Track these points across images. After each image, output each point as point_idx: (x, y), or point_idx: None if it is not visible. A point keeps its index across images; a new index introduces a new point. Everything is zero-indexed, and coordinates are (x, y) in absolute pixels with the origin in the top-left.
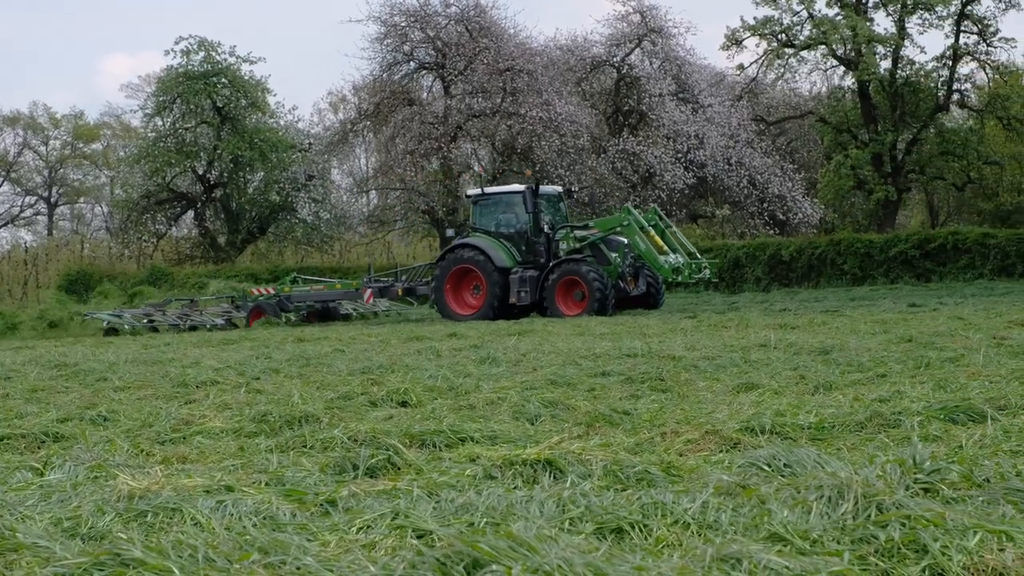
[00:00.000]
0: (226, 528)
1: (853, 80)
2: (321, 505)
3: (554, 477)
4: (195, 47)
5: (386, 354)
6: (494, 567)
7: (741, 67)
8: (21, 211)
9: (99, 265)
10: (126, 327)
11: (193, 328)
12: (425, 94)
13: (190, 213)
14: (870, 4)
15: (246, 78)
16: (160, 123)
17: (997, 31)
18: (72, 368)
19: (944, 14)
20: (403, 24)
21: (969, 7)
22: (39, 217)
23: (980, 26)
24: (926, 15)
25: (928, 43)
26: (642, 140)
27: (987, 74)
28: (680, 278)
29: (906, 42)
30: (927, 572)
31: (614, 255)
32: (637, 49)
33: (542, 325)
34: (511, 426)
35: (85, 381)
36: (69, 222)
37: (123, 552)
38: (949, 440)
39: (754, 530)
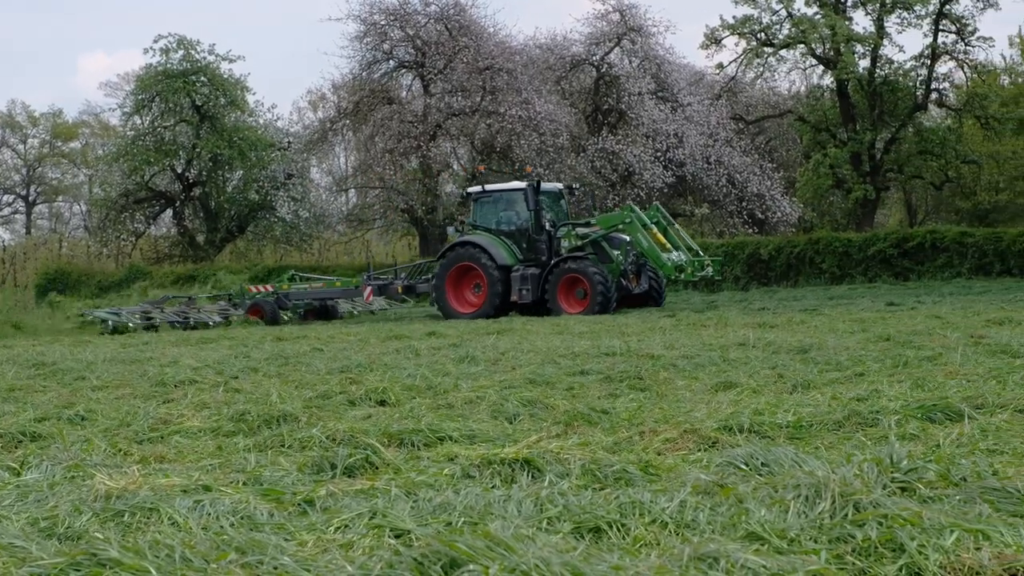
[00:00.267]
0: (203, 528)
1: (832, 79)
2: (299, 505)
3: (532, 476)
4: (174, 45)
5: (365, 353)
6: (472, 567)
7: (720, 66)
8: None
9: (77, 264)
10: (129, 325)
11: (191, 326)
12: (404, 93)
13: (169, 212)
14: (849, 3)
15: (225, 76)
16: (139, 121)
17: (975, 30)
18: (50, 367)
19: (922, 13)
20: (383, 23)
21: (947, 6)
22: (17, 216)
23: (958, 25)
24: (904, 14)
25: (907, 42)
26: (621, 139)
27: (965, 73)
28: (683, 276)
29: (885, 41)
30: (904, 571)
31: (616, 253)
32: (616, 48)
33: (521, 324)
34: (489, 425)
35: (63, 380)
36: (47, 221)
37: (100, 552)
38: (926, 439)
39: (732, 529)
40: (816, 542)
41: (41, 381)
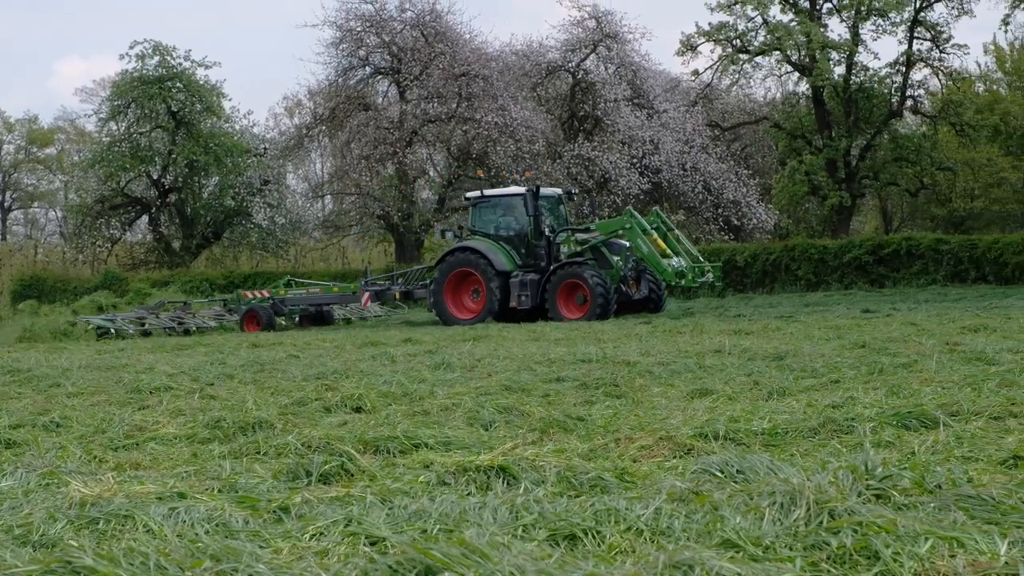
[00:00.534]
0: (178, 535)
1: (807, 86)
2: (274, 512)
3: (508, 483)
4: (150, 51)
5: (341, 360)
6: (447, 574)
7: (696, 73)
8: None
9: (53, 270)
10: (119, 330)
11: (187, 331)
12: (381, 99)
13: (144, 218)
14: (824, 10)
15: (201, 82)
16: (115, 127)
17: (950, 38)
18: (25, 374)
19: (898, 20)
20: (359, 29)
21: (922, 14)
22: None
23: (933, 32)
24: (880, 21)
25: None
26: (597, 145)
27: (940, 80)
28: (684, 282)
29: (860, 48)
30: None
31: (616, 258)
32: (592, 54)
33: (497, 331)
34: (465, 432)
35: (38, 387)
36: (23, 227)
37: (74, 560)
38: (902, 446)
39: (707, 536)
40: (791, 549)
41: (16, 388)
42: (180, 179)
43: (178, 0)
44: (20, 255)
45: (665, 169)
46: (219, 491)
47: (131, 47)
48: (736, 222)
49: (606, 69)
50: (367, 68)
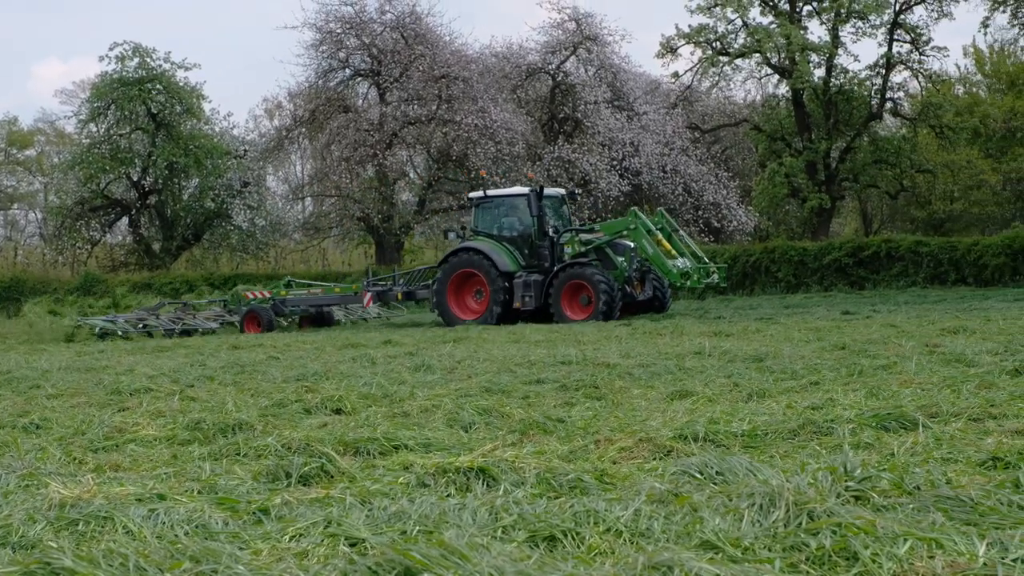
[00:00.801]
0: (158, 537)
1: (787, 88)
2: (254, 513)
3: (487, 485)
4: (130, 53)
5: (321, 361)
6: (426, 575)
7: (676, 75)
8: None
9: (33, 272)
10: (119, 332)
11: (187, 332)
12: (360, 101)
13: (124, 220)
14: (804, 13)
15: (181, 84)
16: (94, 129)
17: (930, 40)
18: (4, 375)
19: (877, 23)
20: (338, 31)
21: (902, 16)
22: None
23: (913, 35)
24: (860, 24)
25: (862, 52)
26: (577, 147)
27: (920, 83)
28: (689, 283)
29: (840, 51)
30: None
31: (620, 259)
32: (572, 57)
33: (477, 332)
34: (445, 434)
35: (18, 388)
36: (2, 228)
37: (53, 561)
38: (881, 448)
39: (686, 538)
40: (770, 551)
41: None
42: (160, 181)
43: (158, 2)
44: (0, 257)
45: (645, 171)
46: (199, 492)
47: (111, 49)
48: (716, 224)
49: (586, 71)
50: (347, 70)
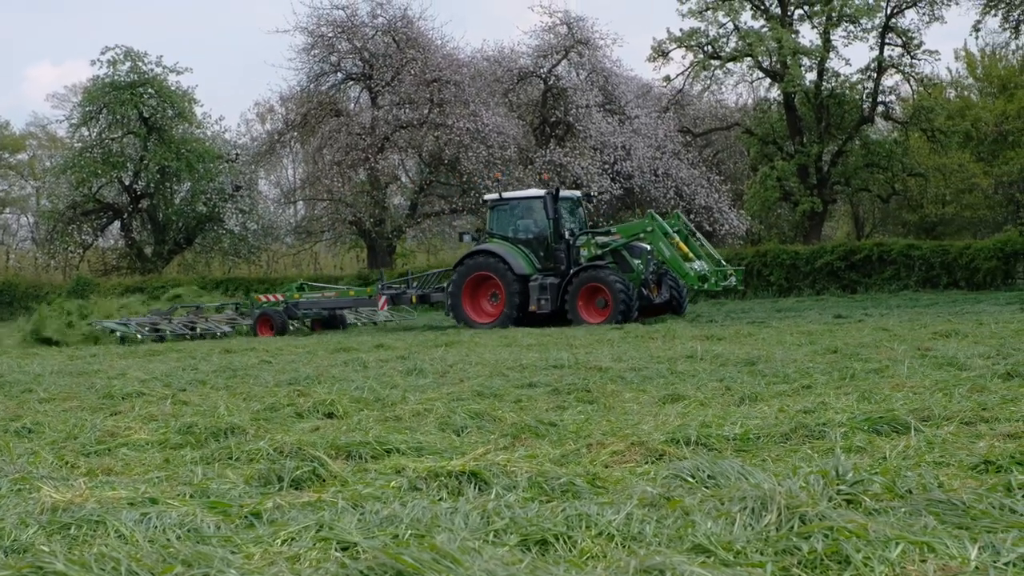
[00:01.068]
0: (150, 541)
1: (779, 92)
2: (246, 517)
3: (479, 489)
4: (121, 57)
5: (313, 365)
6: None
7: (667, 79)
8: None
9: (25, 276)
10: (136, 335)
11: (199, 335)
12: (352, 105)
13: (116, 224)
14: (795, 16)
15: (173, 88)
16: (86, 133)
17: (921, 44)
18: None
19: (869, 26)
20: (330, 35)
21: (894, 20)
22: None
23: (904, 39)
24: (851, 27)
25: (853, 55)
26: (569, 151)
27: (911, 86)
28: (707, 286)
29: (831, 54)
30: None
31: (636, 262)
32: (564, 60)
33: (469, 336)
34: (437, 437)
35: (10, 392)
36: None
37: (45, 565)
38: (873, 451)
39: (678, 541)
40: (762, 554)
41: None
42: (152, 185)
43: (150, 6)
44: None
45: (637, 175)
46: (191, 496)
47: (103, 53)
48: (708, 228)
49: (577, 75)
50: (339, 74)
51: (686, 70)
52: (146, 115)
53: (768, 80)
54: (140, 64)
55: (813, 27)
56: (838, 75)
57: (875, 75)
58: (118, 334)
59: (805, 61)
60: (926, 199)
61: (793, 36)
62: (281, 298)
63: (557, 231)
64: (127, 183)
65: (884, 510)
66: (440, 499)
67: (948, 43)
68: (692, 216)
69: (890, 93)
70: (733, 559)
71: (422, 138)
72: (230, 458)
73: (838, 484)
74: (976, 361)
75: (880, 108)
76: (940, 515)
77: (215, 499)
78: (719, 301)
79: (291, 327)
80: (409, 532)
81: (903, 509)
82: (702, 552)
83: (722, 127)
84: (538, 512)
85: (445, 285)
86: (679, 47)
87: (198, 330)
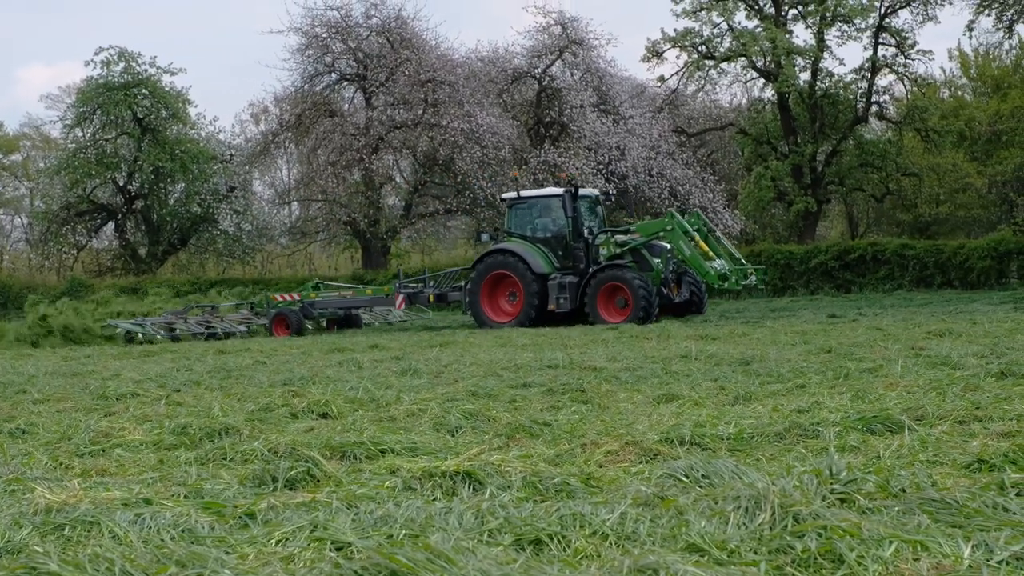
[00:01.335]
0: (144, 541)
1: (773, 92)
2: (240, 518)
3: (473, 489)
4: (115, 58)
5: (307, 366)
6: None
7: (662, 79)
8: None
9: (19, 277)
10: (149, 335)
11: (214, 335)
12: (347, 105)
13: (110, 225)
14: (789, 16)
15: (167, 89)
16: (80, 134)
17: (915, 43)
18: None
19: (863, 26)
20: (324, 35)
21: (887, 20)
22: None
23: (898, 38)
24: (845, 27)
25: (847, 55)
26: (563, 151)
27: (905, 86)
28: (727, 285)
29: (825, 54)
30: None
31: (656, 261)
32: (558, 61)
33: (464, 336)
34: (431, 438)
35: (4, 393)
36: None
37: (39, 566)
38: (866, 450)
39: (672, 541)
40: (756, 553)
41: None
42: (146, 186)
43: (144, 7)
44: None
45: (631, 175)
46: (185, 497)
47: (96, 53)
48: None
49: (572, 75)
50: (333, 74)
51: (680, 70)
52: (140, 116)
53: (762, 80)
54: (134, 65)
55: (807, 27)
56: (832, 75)
57: (869, 75)
58: (139, 335)
59: (799, 61)
60: (920, 199)
61: (787, 36)
62: (297, 297)
63: (576, 229)
64: (121, 184)
65: (878, 509)
66: (434, 499)
67: (942, 43)
68: (686, 216)
69: (884, 93)
70: (727, 558)
71: (416, 138)
72: (224, 459)
73: (832, 483)
74: (970, 360)
75: (874, 108)
76: (933, 514)
77: (209, 500)
78: (714, 301)
79: (308, 327)
80: (403, 532)
81: (897, 508)
82: (696, 551)
83: (716, 127)
84: (532, 512)
85: (463, 284)
86: (673, 47)
87: (219, 331)
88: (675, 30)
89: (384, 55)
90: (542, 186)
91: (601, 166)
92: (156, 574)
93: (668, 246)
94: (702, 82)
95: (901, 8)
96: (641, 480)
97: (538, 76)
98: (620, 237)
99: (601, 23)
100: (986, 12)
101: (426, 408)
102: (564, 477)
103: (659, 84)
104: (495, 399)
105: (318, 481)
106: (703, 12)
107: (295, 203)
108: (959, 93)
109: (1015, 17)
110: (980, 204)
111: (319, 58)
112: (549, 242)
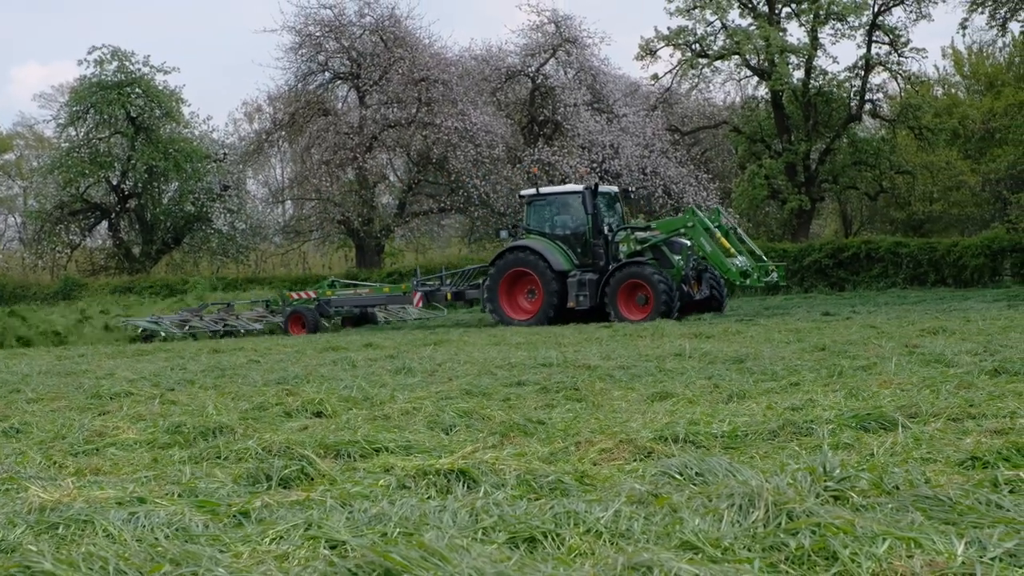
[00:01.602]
0: (138, 540)
1: (766, 90)
2: (234, 516)
3: (468, 487)
4: (108, 57)
5: (301, 364)
6: None
7: (655, 77)
8: None
9: (12, 276)
10: (162, 333)
11: (230, 333)
12: (340, 104)
13: (104, 224)
14: (783, 14)
15: (160, 88)
16: (74, 133)
17: (908, 41)
18: None
19: (856, 24)
20: (318, 34)
21: (881, 17)
22: None
23: (892, 36)
24: (838, 25)
25: (840, 53)
26: (557, 150)
27: (899, 84)
28: (749, 281)
29: (819, 52)
30: None
31: (677, 258)
32: (552, 59)
33: (458, 335)
34: (426, 436)
35: None
36: None
37: (33, 565)
38: (860, 448)
39: (666, 538)
40: (750, 551)
41: None
42: (140, 185)
43: (137, 6)
44: None
45: (625, 173)
46: (179, 496)
47: (89, 52)
48: None
49: (565, 74)
50: (327, 73)
51: (674, 68)
52: (133, 115)
53: (756, 78)
54: (127, 64)
55: (800, 25)
56: (825, 73)
57: (862, 73)
58: (161, 333)
59: (792, 59)
60: (914, 197)
61: (780, 34)
62: (313, 295)
63: (596, 226)
64: (115, 183)
65: (871, 506)
66: (429, 497)
67: (935, 41)
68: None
69: (877, 91)
70: (721, 556)
71: (410, 137)
72: (218, 457)
73: (825, 481)
74: (963, 358)
75: (868, 106)
76: (927, 511)
77: (203, 498)
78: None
79: (325, 325)
80: (398, 530)
81: (890, 505)
82: (690, 549)
83: (710, 125)
84: (526, 510)
85: (481, 281)
86: (667, 45)
87: (240, 329)
88: (668, 28)
89: (378, 54)
90: (535, 185)
91: (595, 164)
92: (150, 573)
93: (689, 243)
94: (696, 80)
95: (895, 6)
96: (635, 478)
97: (532, 74)
98: (640, 234)
99: (595, 21)
100: (979, 10)
101: (420, 407)
102: (558, 475)
103: (653, 82)
104: (489, 397)
105: (312, 480)
106: (697, 10)
107: (289, 202)
108: (952, 91)
109: (1008, 15)
110: (973, 202)
111: (312, 57)
112: (568, 239)
